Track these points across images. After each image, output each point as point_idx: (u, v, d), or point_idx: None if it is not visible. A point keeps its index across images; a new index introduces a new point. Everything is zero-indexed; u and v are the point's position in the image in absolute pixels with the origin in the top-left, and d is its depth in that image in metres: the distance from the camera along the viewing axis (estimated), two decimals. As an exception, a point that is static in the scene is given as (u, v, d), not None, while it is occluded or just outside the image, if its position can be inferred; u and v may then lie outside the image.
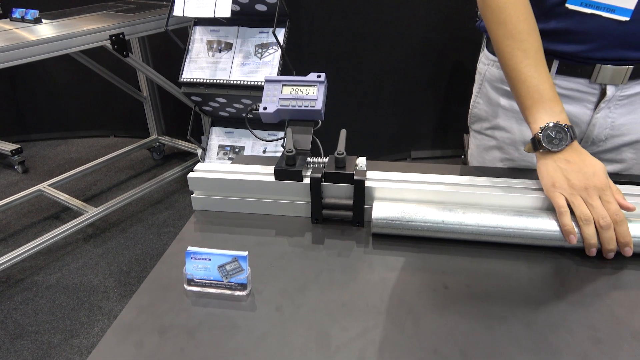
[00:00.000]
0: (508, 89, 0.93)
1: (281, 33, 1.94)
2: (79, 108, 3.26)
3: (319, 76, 0.86)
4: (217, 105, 2.11)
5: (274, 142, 2.17)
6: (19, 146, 2.88)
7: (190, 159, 2.85)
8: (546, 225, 0.71)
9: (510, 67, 0.81)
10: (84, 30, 1.94)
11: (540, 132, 0.75)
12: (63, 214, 2.48)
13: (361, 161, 0.80)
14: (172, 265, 0.72)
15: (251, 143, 2.21)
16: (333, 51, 2.55)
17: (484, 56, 1.02)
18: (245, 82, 1.95)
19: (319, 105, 0.84)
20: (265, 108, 0.85)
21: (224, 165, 0.87)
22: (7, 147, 2.88)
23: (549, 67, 0.86)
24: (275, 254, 0.74)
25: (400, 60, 2.66)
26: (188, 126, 2.10)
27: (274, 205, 0.82)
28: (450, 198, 0.77)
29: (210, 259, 0.66)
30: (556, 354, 0.55)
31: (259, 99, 1.99)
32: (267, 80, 0.88)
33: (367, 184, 0.77)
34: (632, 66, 0.85)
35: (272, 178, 0.81)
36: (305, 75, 0.87)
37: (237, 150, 2.21)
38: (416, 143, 3.00)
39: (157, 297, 0.66)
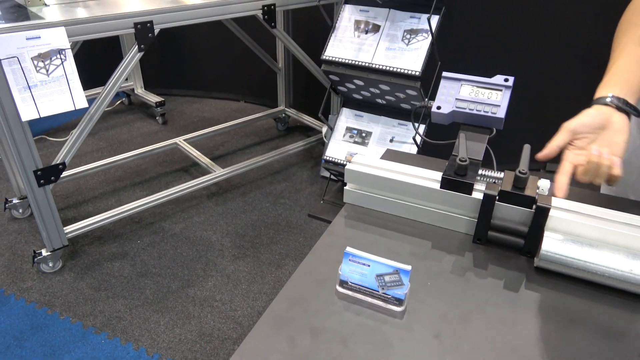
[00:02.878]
0: None
1: (434, 20, 1.82)
2: (217, 70, 3.44)
3: (506, 80, 0.76)
4: (354, 87, 2.07)
5: (404, 131, 2.08)
6: (163, 99, 3.12)
7: (312, 134, 2.87)
8: None
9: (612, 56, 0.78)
10: (240, -2, 1.99)
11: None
12: (192, 168, 2.65)
13: (544, 184, 0.70)
14: (323, 260, 0.69)
15: (379, 130, 2.15)
16: (481, 45, 2.37)
17: None
18: (388, 68, 1.88)
19: (501, 112, 0.75)
20: (439, 107, 0.78)
21: (380, 161, 0.82)
22: (153, 98, 3.14)
23: None
24: (432, 271, 0.67)
25: (554, 63, 2.40)
26: (315, 103, 2.08)
27: (434, 214, 0.76)
28: (653, 248, 0.64)
29: (369, 265, 0.61)
30: None
31: (398, 87, 1.92)
32: (444, 77, 0.80)
33: (552, 212, 0.67)
34: None
35: (436, 185, 0.74)
36: (452, 68, 0.78)
37: (364, 134, 2.17)
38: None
39: (308, 293, 0.63)
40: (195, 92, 3.56)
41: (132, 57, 1.78)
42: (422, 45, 1.85)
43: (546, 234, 0.66)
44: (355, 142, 2.16)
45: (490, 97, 0.76)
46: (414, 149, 2.04)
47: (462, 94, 0.78)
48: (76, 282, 1.86)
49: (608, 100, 0.70)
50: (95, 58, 3.27)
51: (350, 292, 0.63)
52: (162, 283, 1.87)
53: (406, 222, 0.77)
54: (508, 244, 0.70)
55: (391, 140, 2.12)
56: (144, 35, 1.77)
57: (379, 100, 2.11)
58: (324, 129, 2.55)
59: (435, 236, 0.74)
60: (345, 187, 0.81)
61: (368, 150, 2.12)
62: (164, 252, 2.03)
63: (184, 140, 2.63)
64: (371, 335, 0.57)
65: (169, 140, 2.62)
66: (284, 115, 3.04)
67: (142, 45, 1.78)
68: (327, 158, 2.16)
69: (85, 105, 1.61)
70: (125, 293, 1.81)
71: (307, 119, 2.91)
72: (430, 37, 1.83)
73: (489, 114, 0.75)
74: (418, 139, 1.98)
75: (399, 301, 0.61)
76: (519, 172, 0.68)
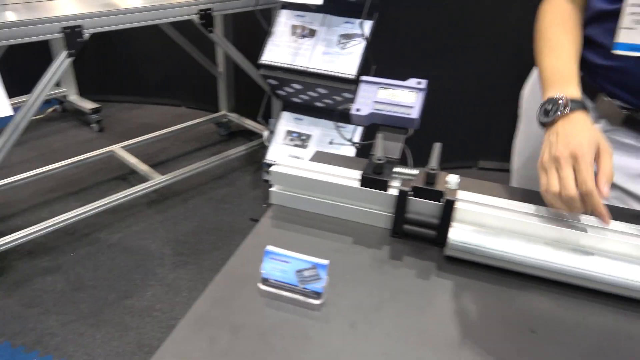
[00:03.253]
0: None
1: (368, 25, 1.89)
2: (156, 75, 3.37)
3: (419, 82, 0.81)
4: (292, 90, 2.10)
5: (343, 134, 2.14)
6: (99, 105, 3.02)
7: (255, 138, 2.88)
8: (658, 283, 0.63)
9: (538, 63, 0.83)
10: (175, 3, 1.97)
11: (539, 108, 0.74)
12: (130, 176, 2.58)
13: (452, 179, 0.75)
14: (247, 260, 0.70)
15: (319, 132, 2.19)
16: (418, 48, 2.47)
17: None
18: (324, 71, 1.92)
19: (415, 113, 0.80)
20: (358, 110, 0.82)
21: (305, 162, 0.85)
22: (87, 105, 3.02)
23: (617, 120, 0.84)
24: (351, 265, 0.71)
25: (487, 65, 2.54)
26: (256, 106, 2.10)
27: (355, 212, 0.79)
28: (541, 232, 0.70)
29: (289, 262, 0.64)
30: None
31: (335, 90, 1.96)
32: (363, 81, 0.84)
33: (458, 205, 0.72)
34: None
35: (357, 183, 0.77)
36: (393, 74, 0.83)
37: (303, 137, 2.20)
38: (485, 152, 2.87)
39: (231, 292, 0.65)
40: (134, 98, 3.46)
41: (60, 63, 1.72)
42: (356, 49, 1.91)
43: (453, 224, 0.71)
44: (295, 145, 2.19)
45: (405, 99, 0.81)
46: (353, 151, 2.09)
47: (379, 96, 0.82)
48: (3, 299, 1.77)
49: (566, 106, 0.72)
50: (26, 64, 3.12)
51: (272, 289, 0.65)
52: (98, 296, 1.81)
53: (330, 220, 0.80)
54: (422, 236, 0.75)
55: (330, 143, 2.17)
56: (73, 40, 1.71)
57: (318, 104, 2.15)
58: (265, 133, 2.56)
59: (356, 232, 0.77)
60: (270, 189, 0.83)
61: (308, 152, 2.15)
62: (101, 264, 1.96)
63: (122, 147, 2.56)
64: (290, 329, 0.59)
65: (106, 148, 2.54)
66: (225, 119, 3.02)
67: (71, 51, 1.72)
68: (268, 162, 2.18)
69: (10, 113, 1.54)
70: (58, 308, 1.74)
71: (249, 124, 2.92)
72: (364, 41, 1.89)
73: (404, 115, 0.80)
74: (354, 139, 2.03)
75: (317, 294, 0.63)
76: (430, 169, 0.73)
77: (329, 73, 1.92)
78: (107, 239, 2.10)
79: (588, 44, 0.86)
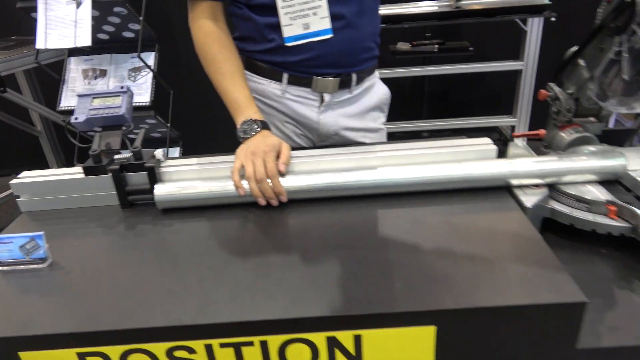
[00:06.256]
0: None
1: (151, 56, 2.09)
2: (-25, 149, 3.24)
3: (122, 87, 1.03)
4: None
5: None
6: None
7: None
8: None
9: (216, 86, 1.09)
10: (-45, 71, 2.00)
11: (238, 129, 1.01)
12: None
13: (158, 153, 0.97)
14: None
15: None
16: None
17: None
18: (123, 105, 2.08)
19: (122, 111, 1.01)
20: (76, 118, 1.01)
21: (49, 170, 1.01)
22: None
23: (281, 79, 1.15)
24: (83, 233, 0.89)
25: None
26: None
27: (89, 198, 0.97)
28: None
29: (12, 242, 0.80)
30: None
31: (138, 119, 2.13)
32: (80, 95, 1.04)
33: (162, 169, 0.94)
34: (338, 79, 1.14)
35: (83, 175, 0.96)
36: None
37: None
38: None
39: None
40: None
41: None
42: (147, 79, 2.10)
43: (157, 185, 0.93)
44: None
45: (114, 102, 1.02)
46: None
47: (93, 104, 1.02)
48: None
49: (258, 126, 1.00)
50: None
51: (8, 267, 0.81)
52: None
53: (72, 211, 0.97)
54: (143, 200, 0.96)
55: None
56: None
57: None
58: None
59: (95, 212, 0.96)
60: (18, 199, 0.98)
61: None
62: None
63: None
64: (21, 285, 0.76)
65: None
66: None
67: None
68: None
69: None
70: None
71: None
72: (151, 72, 2.09)
73: (115, 114, 1.01)
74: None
75: (42, 260, 0.81)
76: (133, 148, 0.95)
77: (128, 105, 2.08)
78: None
79: (275, 49, 1.13)
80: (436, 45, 2.76)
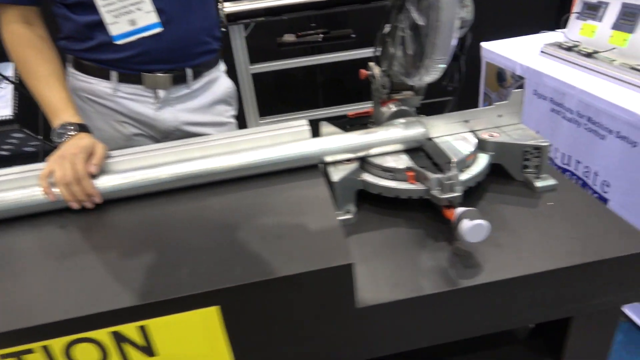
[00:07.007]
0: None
1: (9, 67, 1.97)
2: None
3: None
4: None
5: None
6: None
7: None
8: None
9: (32, 91, 1.05)
10: None
11: (52, 133, 0.99)
12: None
13: None
14: None
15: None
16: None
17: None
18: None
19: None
20: None
21: None
22: None
23: (109, 77, 1.13)
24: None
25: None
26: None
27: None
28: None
29: None
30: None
31: (3, 135, 2.00)
32: None
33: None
34: (170, 74, 1.14)
35: None
36: None
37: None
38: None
39: None
40: None
41: None
42: (7, 92, 1.98)
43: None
44: None
45: None
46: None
47: None
48: None
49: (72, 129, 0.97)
50: None
51: None
52: None
53: None
54: None
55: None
56: None
57: (2, 153, 2.16)
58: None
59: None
60: None
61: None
62: None
63: None
64: None
65: None
66: None
67: None
68: None
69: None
70: None
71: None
72: (11, 84, 1.97)
73: None
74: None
75: None
76: None
77: (-11, 121, 1.95)
78: None
79: (99, 47, 1.10)
80: (321, 35, 2.81)
